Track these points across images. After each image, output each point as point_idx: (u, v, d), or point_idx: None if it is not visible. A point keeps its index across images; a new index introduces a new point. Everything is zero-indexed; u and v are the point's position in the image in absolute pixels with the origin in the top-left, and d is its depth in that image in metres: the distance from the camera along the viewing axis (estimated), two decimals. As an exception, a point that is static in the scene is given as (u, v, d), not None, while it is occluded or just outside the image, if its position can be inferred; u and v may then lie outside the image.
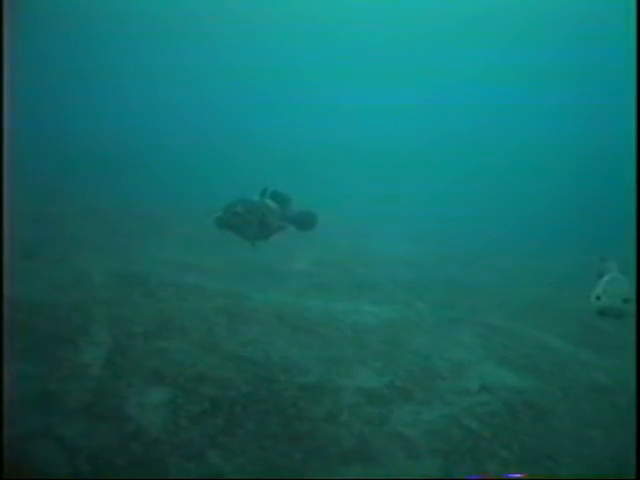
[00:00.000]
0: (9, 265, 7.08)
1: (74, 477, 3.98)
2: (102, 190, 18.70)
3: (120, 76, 37.70)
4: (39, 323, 6.41)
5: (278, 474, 4.38)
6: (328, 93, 42.64)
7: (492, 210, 22.74)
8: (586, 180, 28.62)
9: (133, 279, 8.87)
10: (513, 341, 8.20)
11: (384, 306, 9.23)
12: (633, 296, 5.25)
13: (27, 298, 7.08)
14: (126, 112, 34.53)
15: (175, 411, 5.02)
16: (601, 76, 36.10)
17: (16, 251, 8.77)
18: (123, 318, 6.97)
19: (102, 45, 37.34)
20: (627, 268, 5.97)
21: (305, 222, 8.50)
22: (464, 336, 8.15)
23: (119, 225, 13.55)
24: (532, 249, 18.08)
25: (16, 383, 5.05)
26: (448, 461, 4.86)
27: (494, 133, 37.62)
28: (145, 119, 34.20)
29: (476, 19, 38.41)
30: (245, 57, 41.55)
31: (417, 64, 42.14)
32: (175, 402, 5.17)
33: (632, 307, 5.23)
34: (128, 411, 4.93)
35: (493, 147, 35.32)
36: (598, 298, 5.24)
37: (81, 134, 28.70)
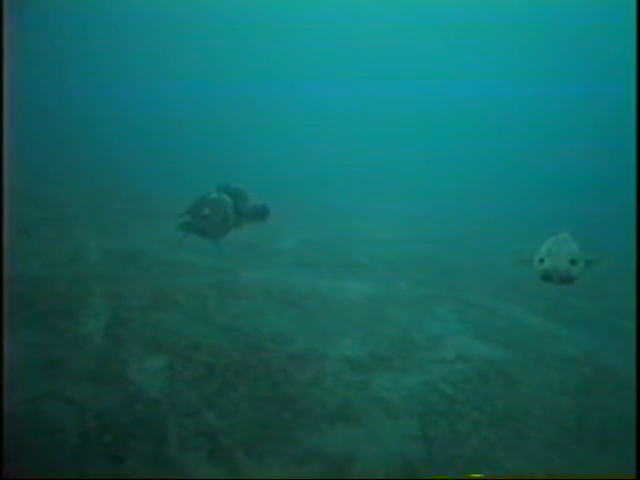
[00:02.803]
0: (9, 242, 7.42)
1: (82, 446, 4.38)
2: (99, 171, 18.89)
3: (124, 61, 37.83)
4: (41, 297, 6.77)
5: (269, 431, 4.80)
6: (327, 84, 42.81)
7: (481, 199, 22.98)
8: (585, 171, 28.82)
9: (129, 256, 9.22)
10: (488, 316, 8.62)
11: (367, 283, 9.60)
12: (581, 257, 4.61)
13: (28, 274, 7.44)
14: (127, 97, 34.59)
15: (173, 376, 5.42)
16: (603, 71, 36.30)
17: (15, 229, 9.07)
18: (120, 292, 7.34)
19: (109, 28, 37.45)
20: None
21: (258, 216, 8.15)
22: (442, 311, 8.56)
23: (115, 205, 13.81)
24: (517, 234, 18.39)
25: (24, 350, 5.43)
26: (424, 421, 5.29)
27: (489, 124, 37.85)
28: (145, 104, 34.26)
29: (478, 15, 38.57)
30: (247, 53, 41.72)
31: (424, 59, 42.41)
32: (172, 368, 5.57)
33: (580, 269, 4.60)
34: (130, 375, 5.33)
35: (489, 137, 35.55)
36: (541, 261, 4.65)
37: (82, 116, 28.84)
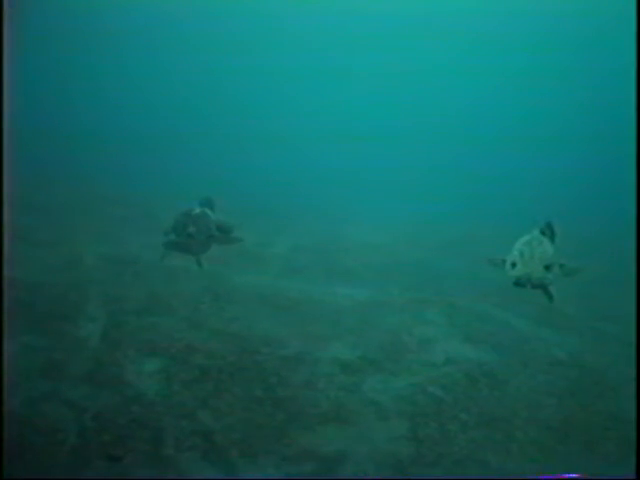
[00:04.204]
0: (9, 248, 7.52)
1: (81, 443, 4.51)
2: (96, 176, 18.88)
3: (124, 69, 37.93)
4: (39, 301, 6.92)
5: (263, 432, 4.93)
6: (322, 86, 42.87)
7: (479, 202, 22.90)
8: (586, 174, 28.73)
9: (123, 261, 9.33)
10: (478, 320, 8.73)
11: (358, 288, 9.71)
12: (556, 261, 4.35)
13: (26, 279, 7.56)
14: (126, 102, 34.57)
15: (168, 378, 5.57)
16: (604, 74, 36.26)
17: (14, 235, 9.15)
18: (116, 297, 7.48)
19: (110, 36, 37.54)
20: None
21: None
22: (432, 315, 8.67)
23: (110, 210, 13.85)
24: (511, 238, 18.29)
25: (24, 353, 5.57)
26: (413, 422, 5.43)
27: (488, 128, 37.80)
28: (144, 109, 34.24)
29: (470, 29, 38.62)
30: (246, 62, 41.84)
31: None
32: (168, 370, 5.71)
33: (555, 275, 4.32)
34: (126, 378, 5.48)
35: (487, 141, 35.52)
36: (513, 265, 4.30)
37: (81, 121, 28.83)
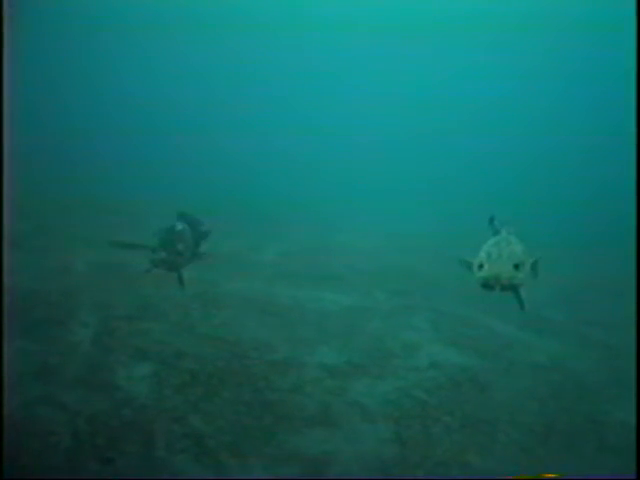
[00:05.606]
0: (9, 256, 7.65)
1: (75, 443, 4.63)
2: (89, 182, 18.91)
3: (123, 72, 37.93)
4: (33, 307, 7.04)
5: (251, 434, 5.07)
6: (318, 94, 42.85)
7: (471, 206, 22.87)
8: (584, 179, 28.70)
9: (114, 268, 9.42)
10: (462, 325, 8.89)
11: (345, 294, 9.84)
12: (527, 259, 4.14)
13: (20, 285, 7.66)
14: (118, 110, 34.50)
15: (159, 382, 5.70)
16: (601, 71, 36.20)
17: (7, 242, 9.24)
18: (107, 303, 7.60)
19: (106, 41, 37.52)
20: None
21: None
22: (417, 321, 8.83)
23: (101, 217, 13.90)
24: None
25: (19, 358, 5.70)
26: (399, 425, 5.58)
27: (474, 130, 37.79)
28: (142, 115, 34.17)
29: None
30: (251, 56, 41.77)
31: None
32: (159, 375, 5.85)
33: (525, 275, 4.05)
34: (118, 382, 5.61)
35: (472, 147, 35.51)
36: (480, 267, 3.95)
37: (75, 126, 28.84)
